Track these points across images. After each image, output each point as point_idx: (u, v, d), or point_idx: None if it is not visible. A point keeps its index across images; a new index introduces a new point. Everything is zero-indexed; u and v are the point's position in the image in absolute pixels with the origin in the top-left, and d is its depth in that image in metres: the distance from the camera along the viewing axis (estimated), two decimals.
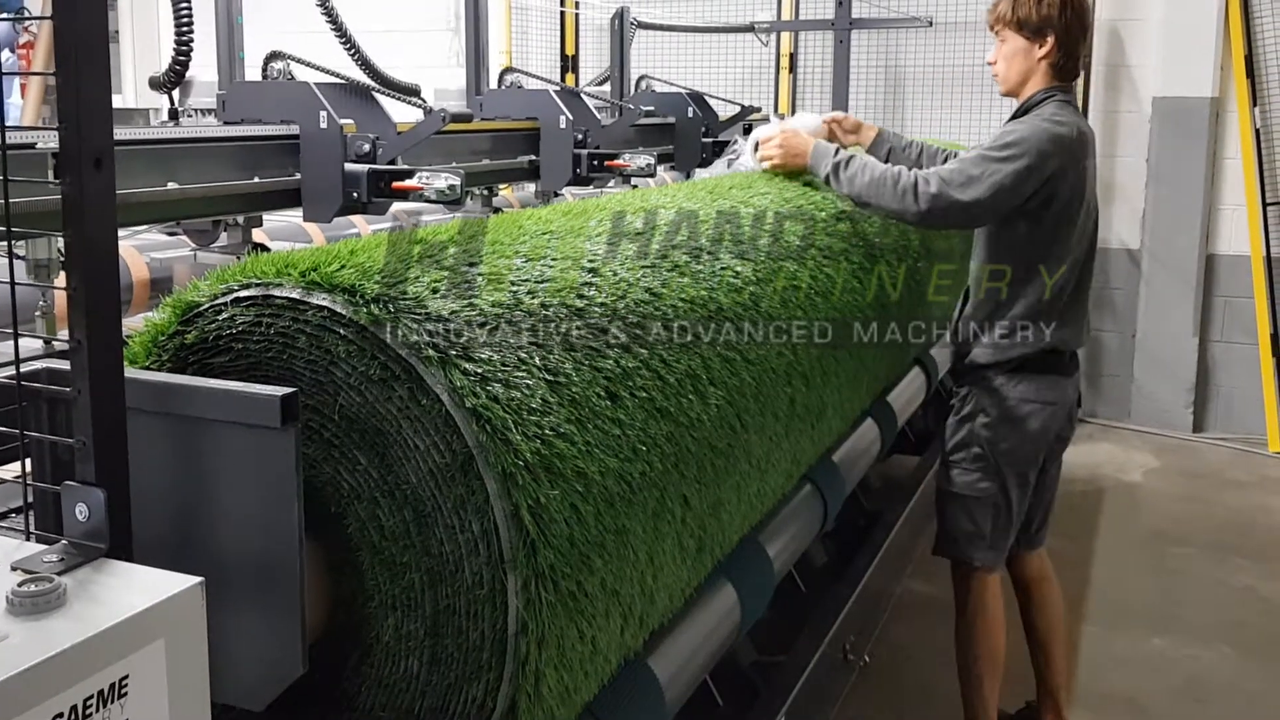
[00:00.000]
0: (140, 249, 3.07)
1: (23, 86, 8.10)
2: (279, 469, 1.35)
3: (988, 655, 3.02)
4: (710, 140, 4.50)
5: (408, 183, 2.68)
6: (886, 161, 3.15)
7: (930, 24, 6.27)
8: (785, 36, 7.02)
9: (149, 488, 1.36)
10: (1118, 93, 6.46)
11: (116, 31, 7.77)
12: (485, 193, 3.58)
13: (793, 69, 7.11)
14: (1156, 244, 6.39)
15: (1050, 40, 2.80)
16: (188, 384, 1.40)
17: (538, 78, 4.17)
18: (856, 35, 6.46)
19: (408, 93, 3.27)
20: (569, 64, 7.20)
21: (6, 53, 8.05)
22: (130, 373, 1.34)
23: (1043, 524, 3.18)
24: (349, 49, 3.23)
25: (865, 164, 2.83)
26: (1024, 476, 2.96)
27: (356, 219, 3.70)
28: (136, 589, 1.10)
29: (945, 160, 3.17)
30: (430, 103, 3.41)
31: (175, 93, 3.01)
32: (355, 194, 2.72)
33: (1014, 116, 2.88)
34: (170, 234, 3.15)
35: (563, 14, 7.10)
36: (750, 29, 6.57)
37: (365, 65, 3.27)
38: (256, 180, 2.68)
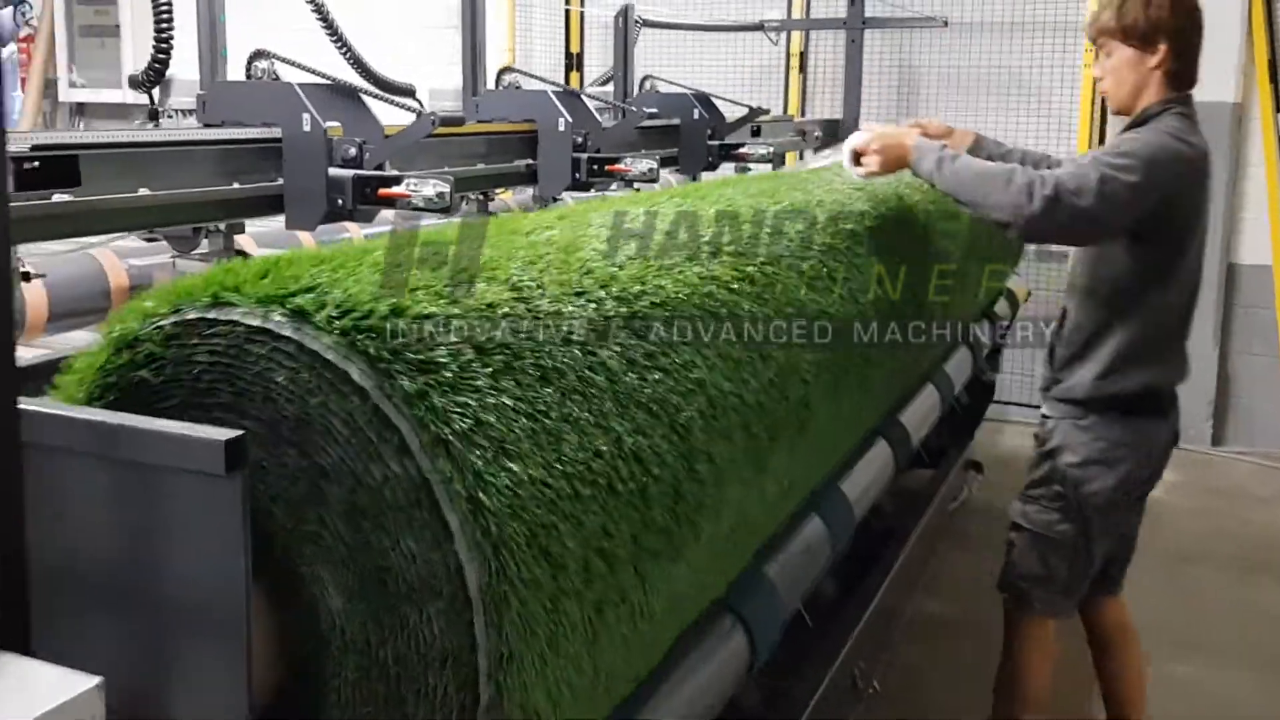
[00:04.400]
0: (119, 254, 2.94)
1: (23, 81, 8.02)
2: (225, 518, 1.21)
3: (1033, 700, 2.83)
4: (717, 143, 4.34)
5: (394, 190, 2.54)
6: None
7: (946, 24, 6.10)
8: (795, 35, 6.85)
9: (85, 530, 1.25)
10: None
11: (117, 26, 7.65)
12: (481, 198, 3.44)
13: (803, 69, 6.94)
14: None
15: (1163, 47, 2.55)
16: (125, 423, 1.25)
17: (537, 78, 4.03)
18: (869, 35, 6.28)
19: (402, 93, 3.14)
20: (574, 62, 7.05)
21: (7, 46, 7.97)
22: (66, 410, 1.25)
23: (1123, 567, 2.97)
24: (340, 47, 3.10)
25: (971, 160, 2.57)
26: (1109, 521, 2.71)
27: (350, 225, 3.56)
28: (28, 691, 0.95)
29: (1049, 166, 2.89)
30: (425, 103, 3.28)
31: (155, 92, 2.88)
32: (340, 200, 2.58)
33: (1129, 127, 2.62)
34: (150, 239, 3.01)
35: (567, 11, 6.95)
36: (759, 28, 6.41)
37: (357, 64, 3.14)
38: (236, 186, 2.54)
